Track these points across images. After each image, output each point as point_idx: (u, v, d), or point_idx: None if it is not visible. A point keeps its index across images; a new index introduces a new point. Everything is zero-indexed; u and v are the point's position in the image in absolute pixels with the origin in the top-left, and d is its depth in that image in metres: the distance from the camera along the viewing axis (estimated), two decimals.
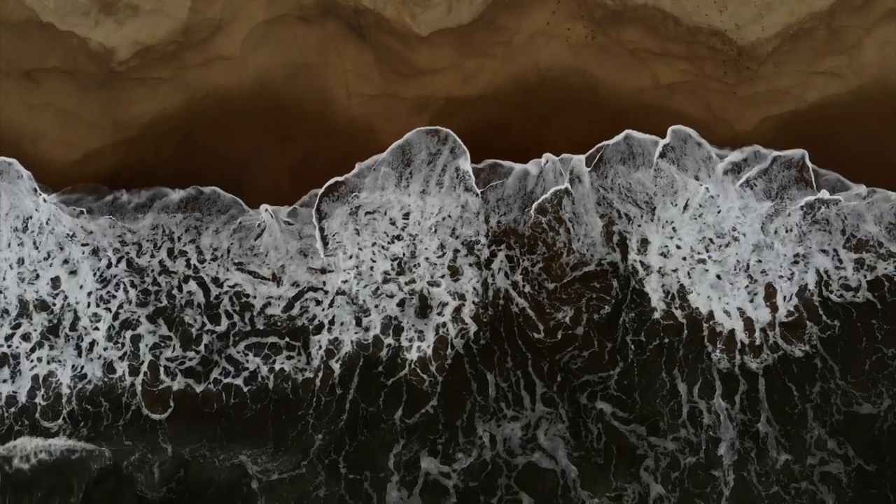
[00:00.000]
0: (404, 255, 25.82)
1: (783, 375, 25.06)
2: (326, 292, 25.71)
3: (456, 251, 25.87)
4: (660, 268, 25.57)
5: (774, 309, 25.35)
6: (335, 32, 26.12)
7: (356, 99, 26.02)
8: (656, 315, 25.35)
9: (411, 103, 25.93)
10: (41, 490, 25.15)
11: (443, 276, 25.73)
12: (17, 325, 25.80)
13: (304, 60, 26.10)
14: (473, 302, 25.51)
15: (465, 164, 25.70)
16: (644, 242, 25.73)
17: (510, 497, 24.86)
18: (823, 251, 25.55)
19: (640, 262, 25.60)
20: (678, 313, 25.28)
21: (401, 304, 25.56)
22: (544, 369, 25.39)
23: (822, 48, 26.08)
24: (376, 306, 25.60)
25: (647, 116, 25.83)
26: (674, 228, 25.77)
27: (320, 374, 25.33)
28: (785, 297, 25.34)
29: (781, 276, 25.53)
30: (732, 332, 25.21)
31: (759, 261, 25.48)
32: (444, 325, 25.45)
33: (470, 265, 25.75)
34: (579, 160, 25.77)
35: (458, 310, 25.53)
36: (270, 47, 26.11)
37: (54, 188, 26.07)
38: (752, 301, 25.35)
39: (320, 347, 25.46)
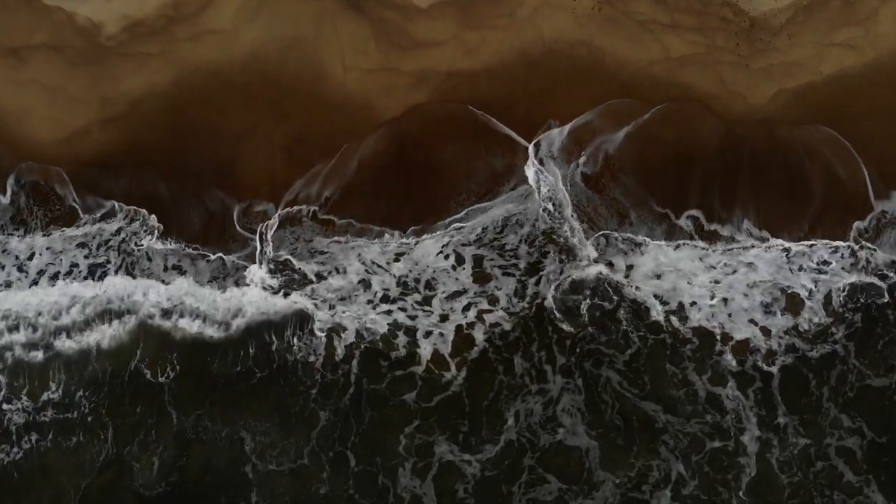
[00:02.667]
0: (409, 273, 24.82)
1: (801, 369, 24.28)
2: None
3: (479, 258, 24.83)
4: (654, 294, 24.61)
5: (795, 317, 24.44)
6: (331, 5, 25.19)
7: (353, 73, 25.14)
8: (657, 319, 24.55)
9: (411, 77, 25.03)
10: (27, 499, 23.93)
11: (465, 287, 24.65)
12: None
13: (298, 34, 25.19)
14: (504, 308, 24.55)
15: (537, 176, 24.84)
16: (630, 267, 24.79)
17: (533, 476, 23.80)
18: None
19: (632, 284, 24.67)
20: (682, 328, 24.44)
21: (412, 317, 24.61)
22: (566, 345, 24.47)
23: (837, 19, 25.16)
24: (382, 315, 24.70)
25: (656, 90, 24.94)
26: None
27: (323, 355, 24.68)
28: (811, 311, 24.40)
29: (804, 292, 24.52)
30: (746, 340, 24.36)
31: (774, 277, 24.59)
32: (471, 324, 24.40)
33: (500, 268, 24.77)
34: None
35: (485, 312, 24.55)
36: (263, 21, 25.19)
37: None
38: (767, 314, 24.36)
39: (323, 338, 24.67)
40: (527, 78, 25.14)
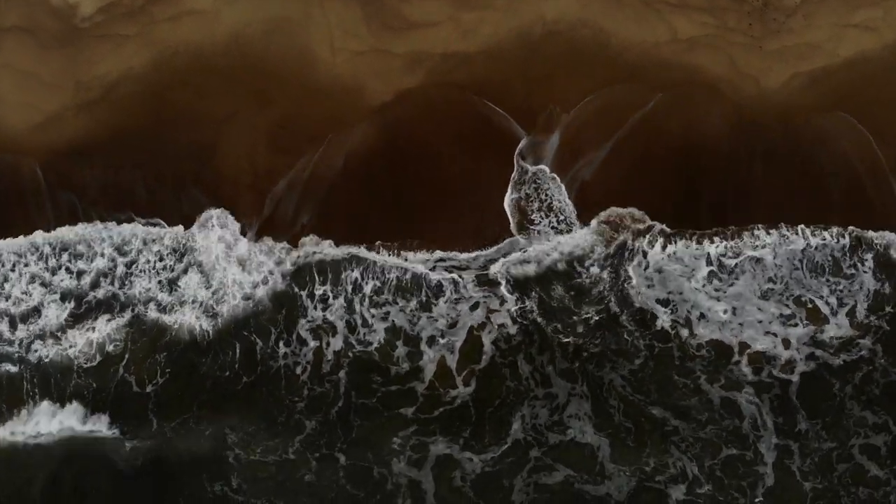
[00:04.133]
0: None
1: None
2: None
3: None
4: (658, 298, 23.22)
5: (818, 328, 22.97)
6: None
7: (342, 56, 23.99)
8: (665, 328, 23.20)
9: (404, 60, 23.87)
10: None
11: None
12: None
13: (283, 15, 24.14)
14: (509, 310, 23.25)
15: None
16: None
17: (540, 465, 22.51)
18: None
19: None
20: (691, 342, 23.06)
21: (413, 320, 23.30)
22: (569, 350, 23.20)
23: None
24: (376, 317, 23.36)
25: (664, 73, 23.74)
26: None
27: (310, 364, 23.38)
28: (836, 324, 22.92)
29: (824, 300, 23.04)
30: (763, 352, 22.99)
31: (788, 284, 23.14)
32: (481, 325, 23.04)
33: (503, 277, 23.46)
34: None
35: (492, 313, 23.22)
36: (247, 0, 24.21)
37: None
38: (785, 324, 22.91)
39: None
40: (526, 61, 23.99)
